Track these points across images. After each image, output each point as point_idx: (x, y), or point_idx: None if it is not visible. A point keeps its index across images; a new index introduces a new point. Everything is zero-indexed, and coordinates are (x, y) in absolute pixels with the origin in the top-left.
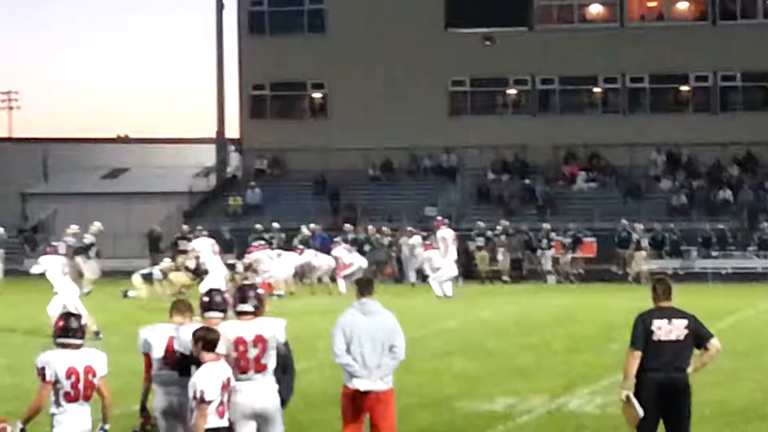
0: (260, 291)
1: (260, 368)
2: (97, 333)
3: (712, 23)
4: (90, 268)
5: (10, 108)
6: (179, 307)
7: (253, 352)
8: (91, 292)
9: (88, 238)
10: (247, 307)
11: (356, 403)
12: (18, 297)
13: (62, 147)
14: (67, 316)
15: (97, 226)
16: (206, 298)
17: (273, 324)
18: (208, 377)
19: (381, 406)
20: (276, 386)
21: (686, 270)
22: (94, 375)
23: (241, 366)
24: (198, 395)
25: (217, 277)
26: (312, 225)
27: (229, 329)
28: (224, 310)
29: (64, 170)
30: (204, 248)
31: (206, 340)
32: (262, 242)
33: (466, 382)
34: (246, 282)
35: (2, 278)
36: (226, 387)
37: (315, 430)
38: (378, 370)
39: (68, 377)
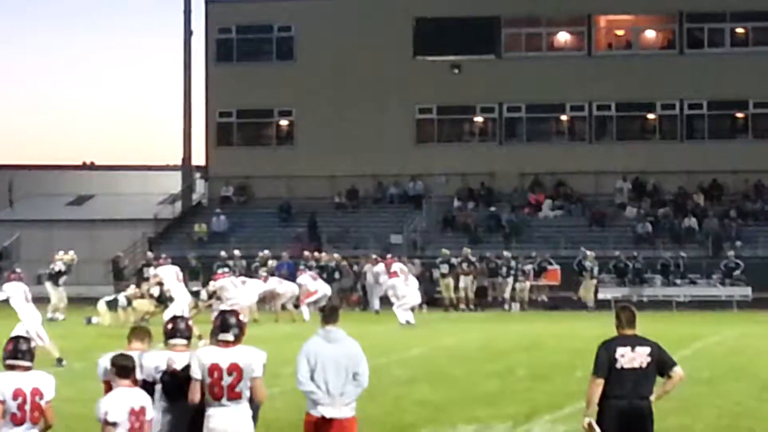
0: (242, 318)
1: (234, 396)
2: (59, 360)
3: (679, 52)
4: (58, 295)
5: None
6: (138, 333)
7: (227, 380)
8: (64, 319)
9: (59, 266)
10: (228, 337)
11: (319, 430)
12: None
13: (27, 173)
14: (16, 339)
15: (70, 255)
16: (170, 325)
17: (251, 354)
18: (114, 400)
19: None
20: (250, 414)
21: (650, 298)
22: (41, 397)
23: (214, 393)
24: (101, 417)
25: (182, 305)
26: (284, 254)
27: (205, 355)
28: (188, 338)
29: (30, 197)
30: (168, 275)
31: (119, 366)
32: (227, 269)
33: (429, 409)
34: (227, 308)
35: None
36: (137, 414)
37: None
38: (342, 398)
39: (15, 398)
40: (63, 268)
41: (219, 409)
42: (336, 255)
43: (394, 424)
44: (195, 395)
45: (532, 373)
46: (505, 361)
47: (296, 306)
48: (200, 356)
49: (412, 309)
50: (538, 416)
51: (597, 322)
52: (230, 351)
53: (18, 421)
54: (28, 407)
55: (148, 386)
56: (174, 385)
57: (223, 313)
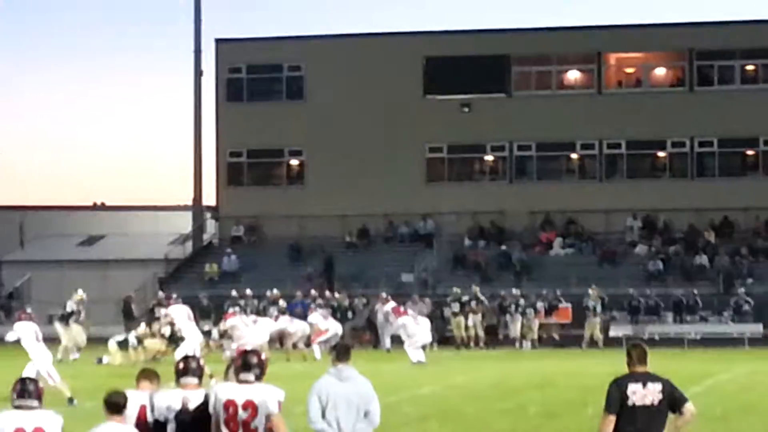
0: (263, 357)
1: None
2: (71, 399)
3: (689, 89)
4: (68, 335)
5: None
6: (147, 374)
7: (242, 415)
8: (78, 358)
9: (70, 306)
10: (249, 377)
11: None
12: None
13: (38, 214)
14: (23, 379)
15: (80, 294)
16: (182, 365)
17: (268, 392)
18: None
19: None
20: None
21: (662, 335)
22: None
23: (230, 427)
24: None
25: (193, 344)
26: (298, 293)
27: (222, 390)
28: (200, 376)
29: (41, 237)
30: (179, 315)
31: (110, 402)
32: (237, 309)
33: None
34: (248, 348)
35: None
36: None
37: None
38: None
39: None
40: (74, 308)
41: None
42: (336, 295)
43: None
44: (214, 431)
45: (544, 410)
46: (517, 399)
47: (307, 345)
48: (217, 391)
49: (423, 347)
50: None
51: (608, 359)
52: (248, 388)
53: None
54: None
55: (159, 426)
56: (187, 423)
57: (245, 352)
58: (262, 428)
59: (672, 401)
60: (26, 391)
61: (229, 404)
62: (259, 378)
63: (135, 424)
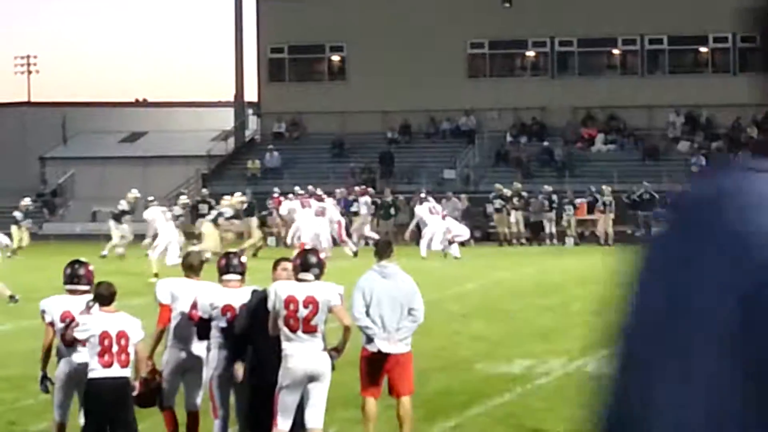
0: (323, 256)
1: (309, 329)
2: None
3: None
4: (119, 233)
5: (29, 72)
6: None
7: (303, 312)
8: (123, 254)
9: (123, 205)
10: (308, 276)
11: (375, 365)
12: (41, 262)
13: (80, 111)
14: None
15: (133, 193)
16: (224, 261)
17: (329, 288)
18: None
19: (399, 368)
20: (324, 347)
21: None
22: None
23: (290, 325)
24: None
25: (169, 241)
26: (339, 190)
27: (282, 287)
28: (242, 273)
29: (83, 134)
30: (157, 217)
31: (96, 294)
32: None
33: (484, 344)
34: (308, 248)
35: (27, 244)
36: (116, 337)
37: (334, 391)
38: (397, 333)
39: (62, 321)
40: (127, 207)
41: (296, 346)
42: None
43: (449, 358)
44: (273, 328)
45: (587, 307)
46: (560, 296)
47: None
48: (277, 288)
49: (462, 244)
50: (593, 351)
51: None
52: (308, 285)
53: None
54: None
55: (203, 323)
56: (243, 321)
57: (304, 252)
58: (321, 325)
59: None
60: (76, 275)
61: (290, 301)
62: (318, 277)
63: (188, 312)
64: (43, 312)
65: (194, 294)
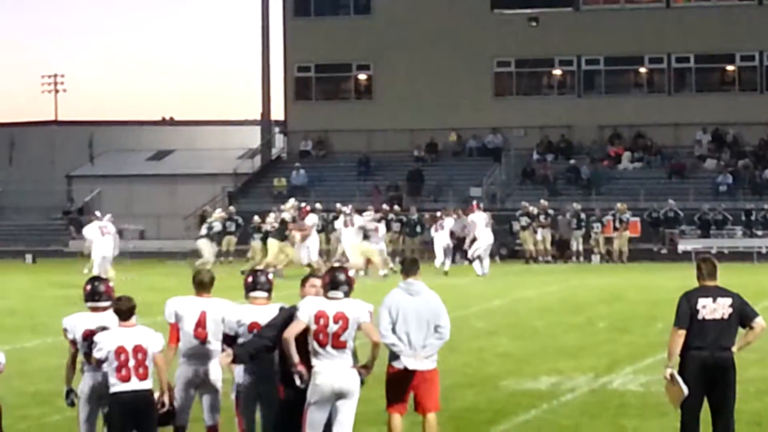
0: (351, 274)
1: (338, 345)
2: None
3: (758, 2)
4: (210, 250)
5: (56, 91)
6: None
7: (333, 327)
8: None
9: (216, 225)
10: (338, 294)
11: (401, 382)
12: (65, 278)
13: (108, 129)
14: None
15: (218, 212)
16: (251, 278)
17: (359, 305)
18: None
19: (426, 385)
20: (353, 363)
21: (731, 249)
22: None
23: (319, 339)
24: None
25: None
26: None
27: (313, 303)
28: (269, 290)
29: (110, 152)
30: (95, 233)
31: (115, 309)
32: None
33: (510, 361)
34: (337, 264)
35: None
36: (132, 351)
37: (360, 408)
38: (423, 350)
39: (85, 338)
40: (219, 228)
41: (325, 362)
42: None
43: (475, 375)
44: (291, 330)
45: (613, 325)
46: (586, 313)
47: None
48: (308, 304)
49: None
50: (620, 368)
51: (677, 273)
52: (338, 302)
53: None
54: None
55: (229, 340)
56: (267, 339)
57: (332, 269)
58: (351, 342)
59: (742, 315)
60: (97, 293)
61: (320, 315)
62: (347, 295)
63: (194, 329)
64: (65, 330)
65: (201, 311)
